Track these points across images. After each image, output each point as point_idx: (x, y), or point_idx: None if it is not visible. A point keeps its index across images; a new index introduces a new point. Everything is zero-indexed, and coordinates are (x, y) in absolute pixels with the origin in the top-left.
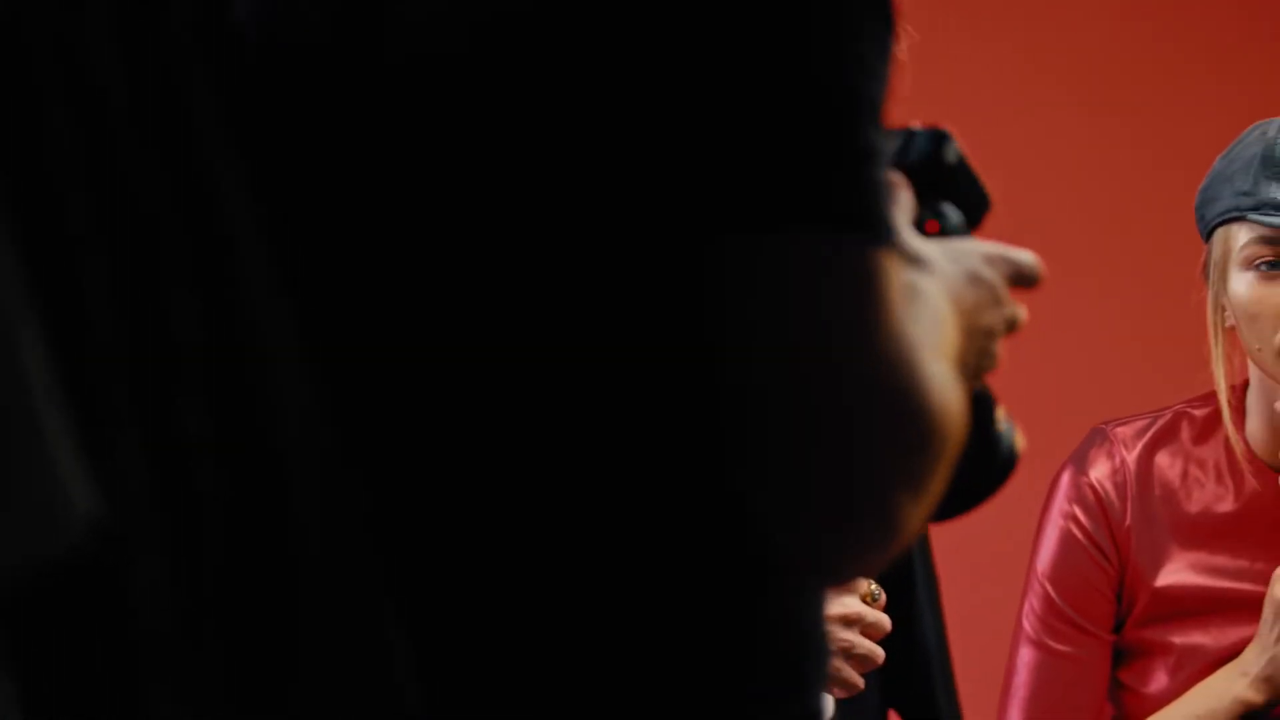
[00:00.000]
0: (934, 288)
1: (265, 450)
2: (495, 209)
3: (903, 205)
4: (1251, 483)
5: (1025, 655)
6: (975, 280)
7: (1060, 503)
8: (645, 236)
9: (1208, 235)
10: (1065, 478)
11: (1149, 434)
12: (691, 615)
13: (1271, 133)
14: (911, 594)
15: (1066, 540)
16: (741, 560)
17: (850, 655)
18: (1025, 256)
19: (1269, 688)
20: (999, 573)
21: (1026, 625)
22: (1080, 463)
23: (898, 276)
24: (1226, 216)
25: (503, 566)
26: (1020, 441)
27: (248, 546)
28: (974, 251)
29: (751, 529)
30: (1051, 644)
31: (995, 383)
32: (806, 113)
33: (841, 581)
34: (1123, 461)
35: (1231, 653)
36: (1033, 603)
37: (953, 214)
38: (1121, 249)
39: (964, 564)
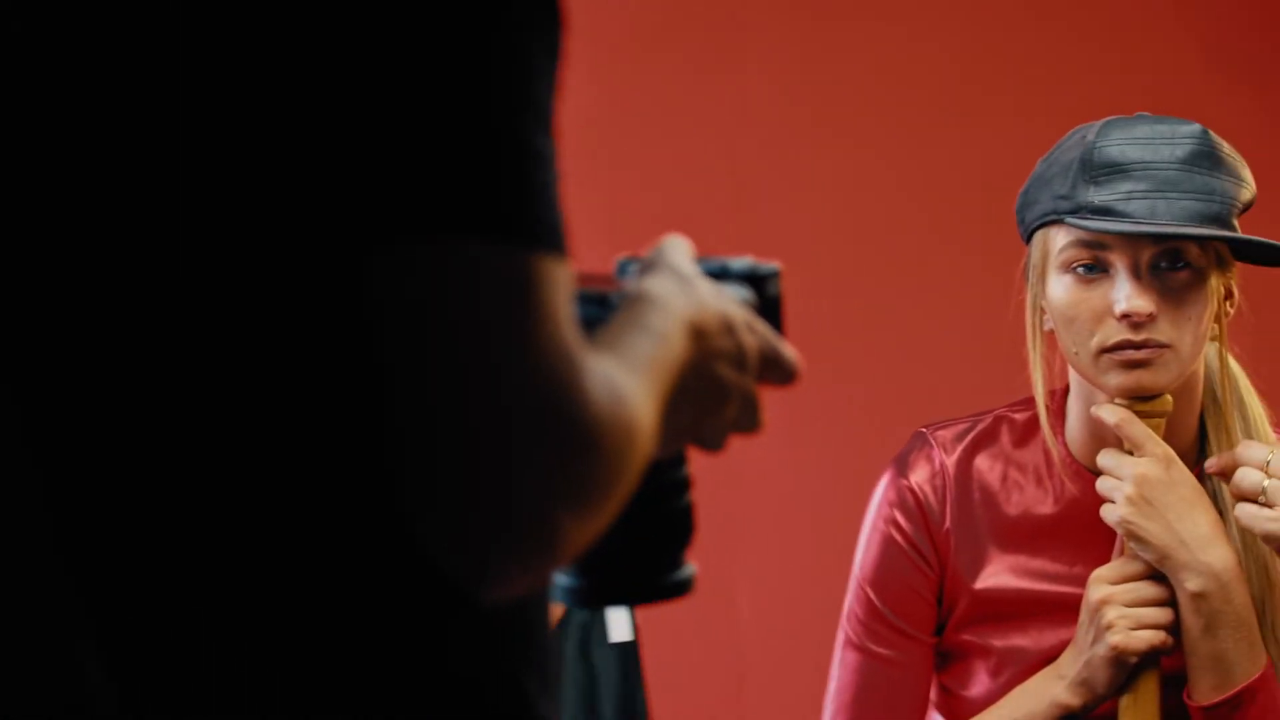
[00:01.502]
0: (678, 308)
1: None
2: (149, 224)
3: (680, 248)
4: (1070, 486)
5: (847, 659)
6: (729, 331)
7: (881, 507)
8: (303, 250)
9: (1027, 238)
10: (886, 481)
11: (969, 437)
12: (376, 634)
13: (1091, 136)
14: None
15: (887, 544)
16: (421, 579)
17: None
18: (789, 352)
19: (1086, 691)
20: (829, 576)
21: (848, 629)
22: (901, 466)
23: (562, 280)
24: (1045, 220)
25: (183, 587)
26: (691, 580)
27: None
28: (742, 311)
29: (420, 544)
30: (873, 647)
31: (833, 380)
32: (466, 120)
33: (508, 595)
34: (942, 465)
35: (1051, 655)
36: (854, 607)
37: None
38: (943, 251)
39: (795, 567)
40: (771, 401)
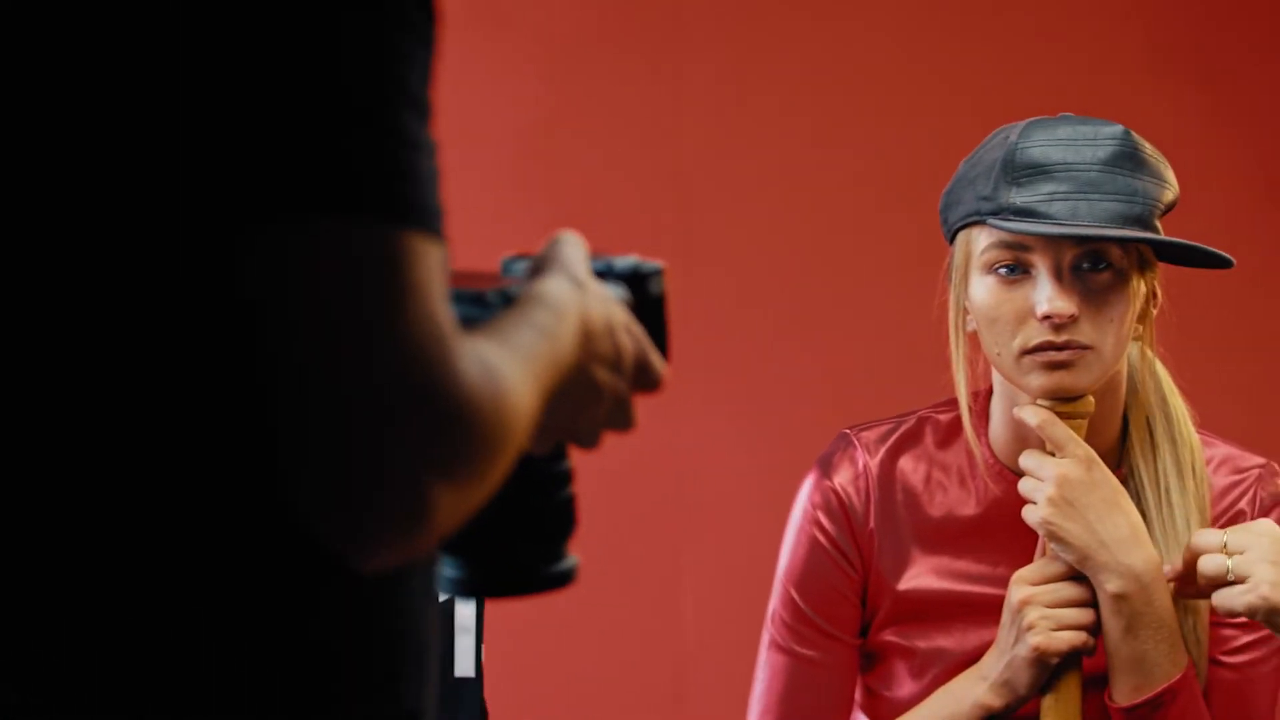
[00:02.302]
0: (573, 304)
1: None
2: (19, 214)
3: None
4: (993, 487)
5: (772, 660)
6: (609, 335)
7: (805, 508)
8: (177, 228)
9: (951, 239)
10: (810, 483)
11: (892, 438)
12: (249, 609)
13: (1013, 137)
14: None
15: (811, 545)
16: (296, 548)
17: None
18: (658, 360)
19: (1008, 691)
20: (772, 579)
21: (773, 630)
22: (825, 467)
23: (435, 259)
24: (967, 221)
25: (61, 575)
26: (573, 572)
27: None
28: (623, 315)
29: (295, 510)
30: (798, 649)
31: (779, 381)
32: (335, 104)
33: (384, 563)
34: (865, 466)
35: (974, 656)
36: (779, 608)
37: None
38: (870, 252)
39: (739, 570)
40: (718, 401)
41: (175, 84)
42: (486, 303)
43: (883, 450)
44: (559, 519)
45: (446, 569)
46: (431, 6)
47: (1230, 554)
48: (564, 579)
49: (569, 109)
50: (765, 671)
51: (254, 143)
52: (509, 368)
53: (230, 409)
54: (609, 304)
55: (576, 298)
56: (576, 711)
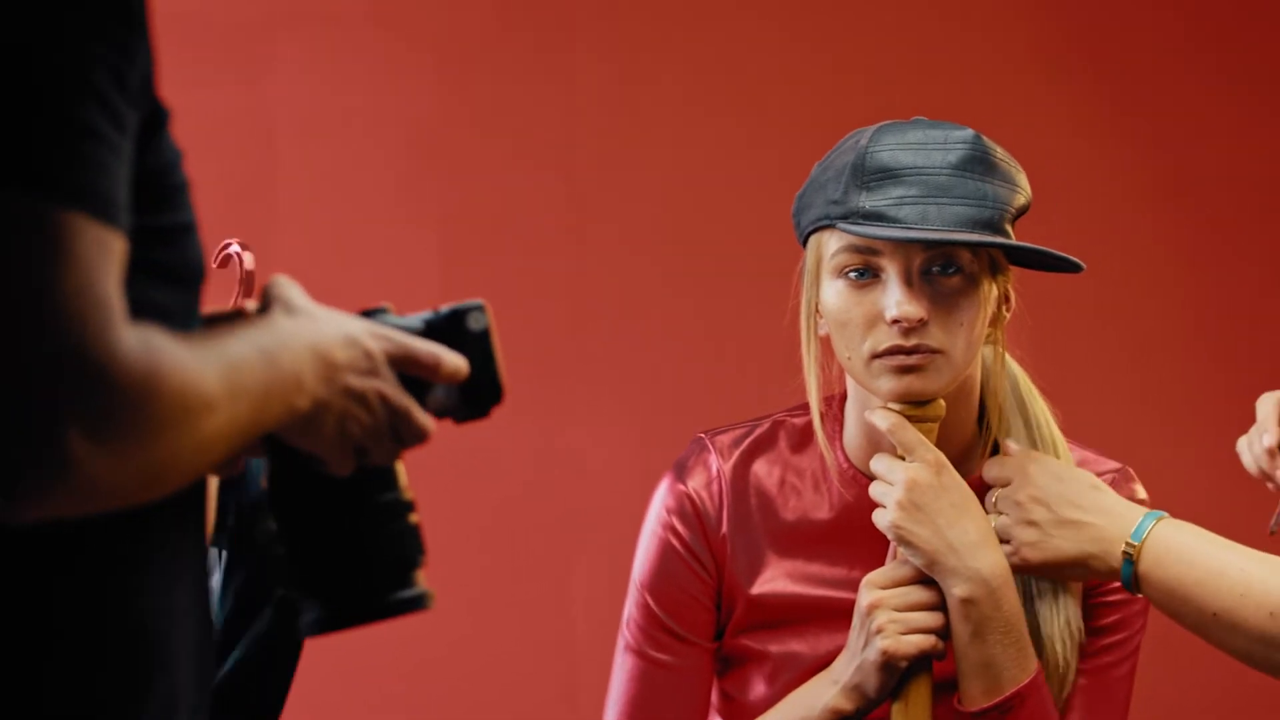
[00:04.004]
0: (295, 328)
1: None
2: None
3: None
4: (846, 492)
5: (626, 664)
6: (351, 344)
7: (659, 513)
8: None
9: (804, 242)
10: (664, 487)
11: (746, 442)
12: None
13: (864, 141)
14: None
15: (664, 550)
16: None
17: None
18: (423, 345)
19: (858, 695)
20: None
21: (628, 634)
22: (679, 472)
23: (103, 241)
24: (818, 224)
25: None
26: (424, 598)
27: None
28: (361, 323)
29: None
30: (652, 653)
31: (665, 388)
32: (8, 93)
33: (28, 517)
34: (719, 471)
35: (826, 660)
36: (633, 612)
37: (442, 394)
38: (760, 254)
39: (612, 575)
40: (609, 406)
41: None
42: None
43: (736, 454)
44: (401, 547)
45: (305, 612)
46: (135, 21)
47: (997, 511)
48: (415, 604)
49: (461, 109)
50: (620, 675)
51: None
52: (185, 356)
53: None
54: (342, 322)
55: (302, 324)
56: (472, 718)
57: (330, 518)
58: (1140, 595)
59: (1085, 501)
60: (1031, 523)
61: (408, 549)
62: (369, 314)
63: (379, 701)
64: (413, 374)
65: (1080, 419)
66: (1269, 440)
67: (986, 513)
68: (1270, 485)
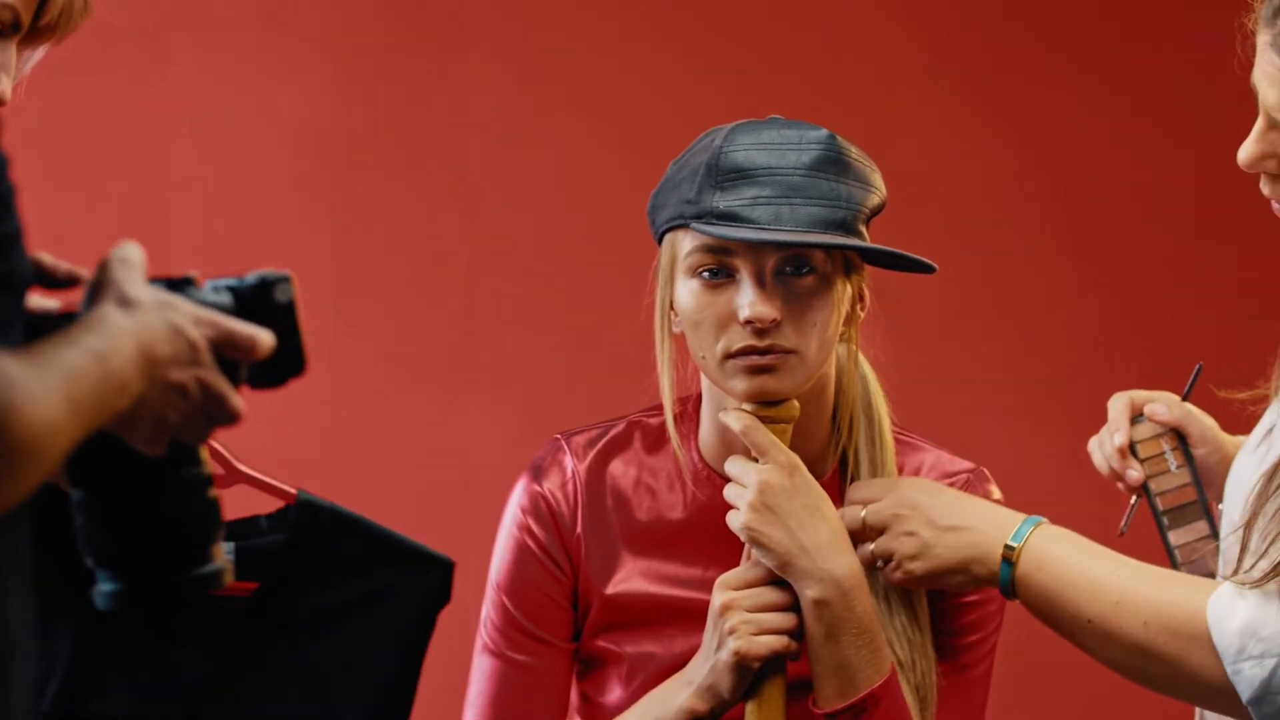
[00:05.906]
0: (125, 326)
1: None
2: None
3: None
4: (699, 492)
5: (484, 665)
6: (176, 335)
7: (514, 513)
8: None
9: (659, 240)
10: (520, 488)
11: (602, 443)
12: None
13: (719, 141)
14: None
15: (520, 551)
16: None
17: None
18: (243, 328)
19: (712, 696)
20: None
21: (485, 635)
22: (534, 473)
23: None
24: (673, 224)
25: None
26: (227, 577)
27: None
28: (186, 310)
29: None
30: (509, 654)
31: (558, 382)
32: None
33: None
34: (574, 471)
35: (681, 661)
36: (490, 613)
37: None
38: (612, 255)
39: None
40: (499, 401)
41: None
42: (49, 324)
43: (592, 455)
44: (200, 522)
45: (102, 584)
46: None
47: (872, 534)
48: (211, 581)
49: (354, 110)
50: (478, 676)
51: None
52: (33, 385)
53: None
54: (166, 309)
55: (128, 320)
56: None
57: (133, 490)
58: (1013, 598)
59: (961, 508)
60: (910, 534)
61: (209, 523)
62: (175, 284)
63: None
64: (229, 356)
65: (939, 418)
66: (1119, 440)
67: (858, 542)
68: (1120, 485)
